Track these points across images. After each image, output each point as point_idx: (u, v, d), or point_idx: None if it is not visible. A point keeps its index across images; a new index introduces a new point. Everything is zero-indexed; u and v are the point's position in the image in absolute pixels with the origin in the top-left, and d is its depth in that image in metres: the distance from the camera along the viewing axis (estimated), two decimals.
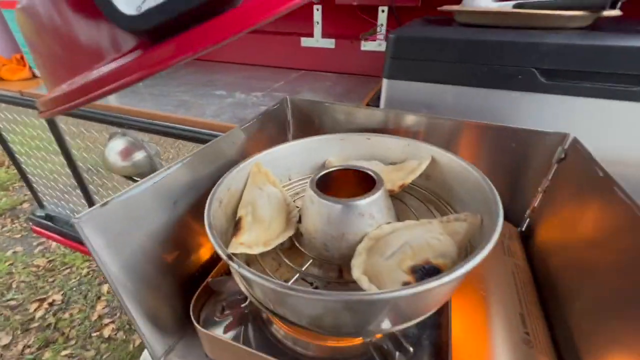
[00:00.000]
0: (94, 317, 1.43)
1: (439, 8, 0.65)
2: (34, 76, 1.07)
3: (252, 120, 0.51)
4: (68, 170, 1.01)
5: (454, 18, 0.66)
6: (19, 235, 1.90)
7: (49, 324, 1.40)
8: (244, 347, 0.32)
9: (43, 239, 1.84)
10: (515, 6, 0.56)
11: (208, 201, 0.35)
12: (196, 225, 0.41)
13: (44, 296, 1.53)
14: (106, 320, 1.42)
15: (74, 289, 1.58)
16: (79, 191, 1.05)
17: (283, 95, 0.66)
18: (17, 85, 0.99)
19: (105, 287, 1.58)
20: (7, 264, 1.70)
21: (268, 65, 1.27)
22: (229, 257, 0.28)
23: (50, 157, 1.04)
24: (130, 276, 0.32)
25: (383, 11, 1.01)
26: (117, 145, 0.76)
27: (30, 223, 1.22)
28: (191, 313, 0.36)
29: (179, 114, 0.78)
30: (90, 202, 1.07)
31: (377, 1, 1.00)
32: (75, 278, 1.63)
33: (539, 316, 0.36)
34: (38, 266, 1.70)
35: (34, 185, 1.16)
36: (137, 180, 0.33)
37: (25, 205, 2.11)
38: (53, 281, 1.62)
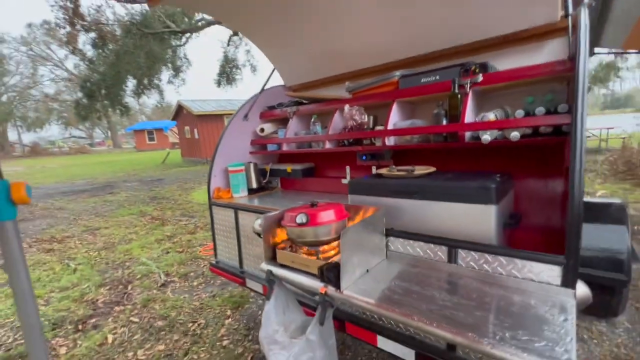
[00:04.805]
0: (220, 333, 2.44)
1: (376, 171, 1.75)
2: (232, 196, 2.51)
3: None
4: (235, 235, 2.28)
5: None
6: (187, 290, 3.21)
7: (195, 333, 2.46)
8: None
9: (200, 292, 3.10)
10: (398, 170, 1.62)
11: None
12: None
13: (194, 321, 2.65)
14: (225, 339, 2.40)
15: (211, 320, 2.66)
16: (234, 250, 2.29)
17: None
18: (226, 201, 2.42)
19: (227, 321, 2.61)
20: (177, 303, 2.96)
21: (325, 192, 2.51)
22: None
23: (229, 230, 2.36)
24: None
25: (376, 167, 2.17)
26: (259, 221, 1.96)
27: (210, 266, 2.50)
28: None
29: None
30: (240, 255, 2.27)
31: (373, 163, 2.17)
32: (211, 314, 2.73)
33: None
34: (194, 307, 2.89)
35: (217, 241, 2.48)
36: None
37: (192, 274, 3.52)
38: (200, 314, 2.75)
